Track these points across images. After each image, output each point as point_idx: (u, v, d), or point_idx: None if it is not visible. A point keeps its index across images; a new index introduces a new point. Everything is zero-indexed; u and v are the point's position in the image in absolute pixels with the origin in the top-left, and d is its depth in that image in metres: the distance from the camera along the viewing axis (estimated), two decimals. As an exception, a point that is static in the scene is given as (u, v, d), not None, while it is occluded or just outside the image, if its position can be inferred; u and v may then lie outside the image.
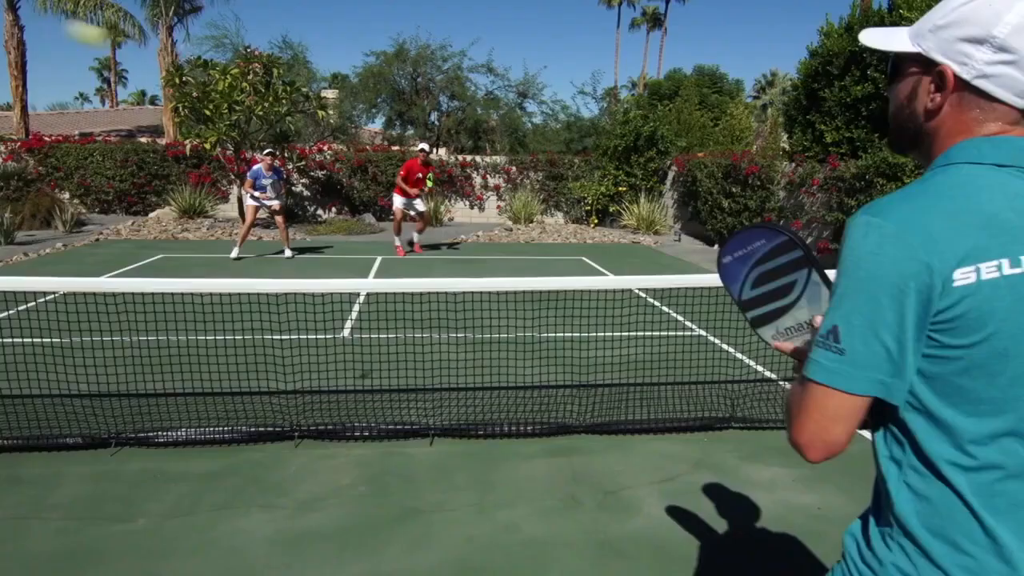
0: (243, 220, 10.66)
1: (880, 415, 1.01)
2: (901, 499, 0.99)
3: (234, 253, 10.19)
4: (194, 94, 13.34)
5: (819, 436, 0.96)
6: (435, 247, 12.35)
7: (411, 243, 11.66)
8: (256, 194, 10.21)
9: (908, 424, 0.98)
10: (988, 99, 0.97)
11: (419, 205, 11.25)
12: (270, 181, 10.30)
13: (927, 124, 1.04)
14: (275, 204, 10.50)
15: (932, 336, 0.92)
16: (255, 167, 10.31)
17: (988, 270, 0.89)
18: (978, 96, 0.97)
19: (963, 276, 0.89)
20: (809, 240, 11.46)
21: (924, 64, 1.02)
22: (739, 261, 1.21)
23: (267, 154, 10.27)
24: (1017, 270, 0.90)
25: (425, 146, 11.29)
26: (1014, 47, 0.93)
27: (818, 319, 1.04)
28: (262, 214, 11.27)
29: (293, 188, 16.95)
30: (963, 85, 0.98)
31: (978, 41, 0.95)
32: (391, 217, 11.32)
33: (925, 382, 0.95)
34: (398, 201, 11.06)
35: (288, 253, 10.72)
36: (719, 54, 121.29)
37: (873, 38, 1.08)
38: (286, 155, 15.69)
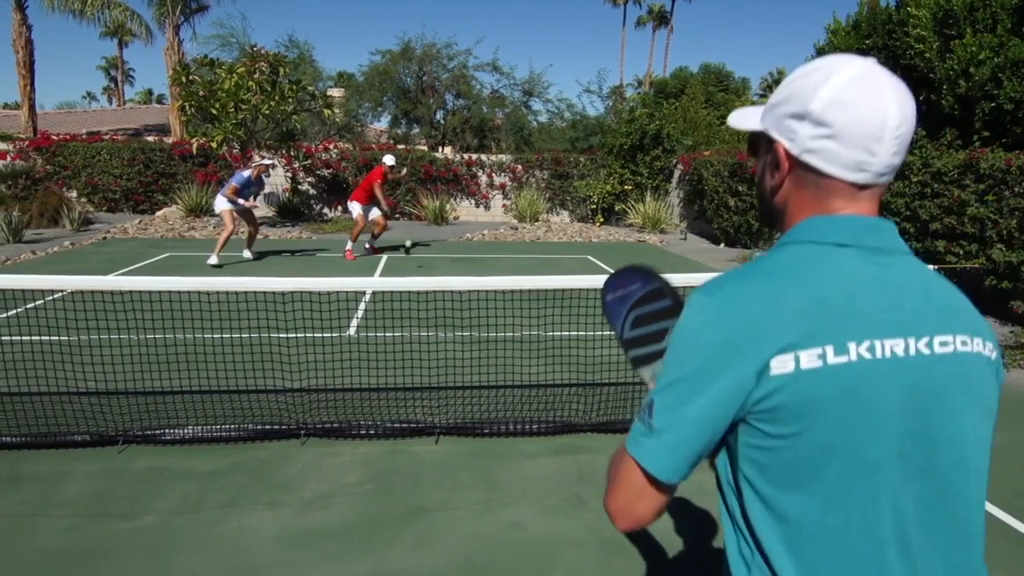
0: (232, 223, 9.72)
1: (726, 504, 0.97)
2: None
3: (213, 260, 9.41)
4: (200, 93, 13.40)
5: (627, 509, 0.94)
6: (395, 248, 11.83)
7: (371, 248, 11.41)
8: (240, 201, 9.49)
9: (750, 518, 0.92)
10: (819, 175, 0.95)
11: (374, 212, 10.87)
12: (255, 190, 9.76)
13: (774, 201, 1.03)
14: (251, 202, 9.70)
15: (754, 424, 0.88)
16: (243, 173, 9.56)
17: (808, 358, 0.85)
18: (810, 172, 0.96)
19: (780, 365, 0.85)
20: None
21: (768, 142, 1.02)
22: (619, 301, 1.21)
23: (267, 164, 9.75)
24: (842, 359, 0.85)
25: (391, 160, 10.86)
26: (830, 120, 0.91)
27: None
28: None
29: (299, 187, 17.00)
30: (796, 162, 0.97)
31: (800, 116, 0.94)
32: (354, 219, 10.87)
33: (758, 474, 0.90)
34: (356, 208, 10.69)
35: (247, 254, 10.14)
36: (725, 52, 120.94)
37: (734, 118, 1.10)
38: (292, 153, 15.74)
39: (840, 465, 0.87)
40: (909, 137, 0.94)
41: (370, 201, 10.72)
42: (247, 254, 10.10)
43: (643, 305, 1.17)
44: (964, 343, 0.92)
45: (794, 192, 0.99)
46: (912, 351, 0.89)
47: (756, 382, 0.86)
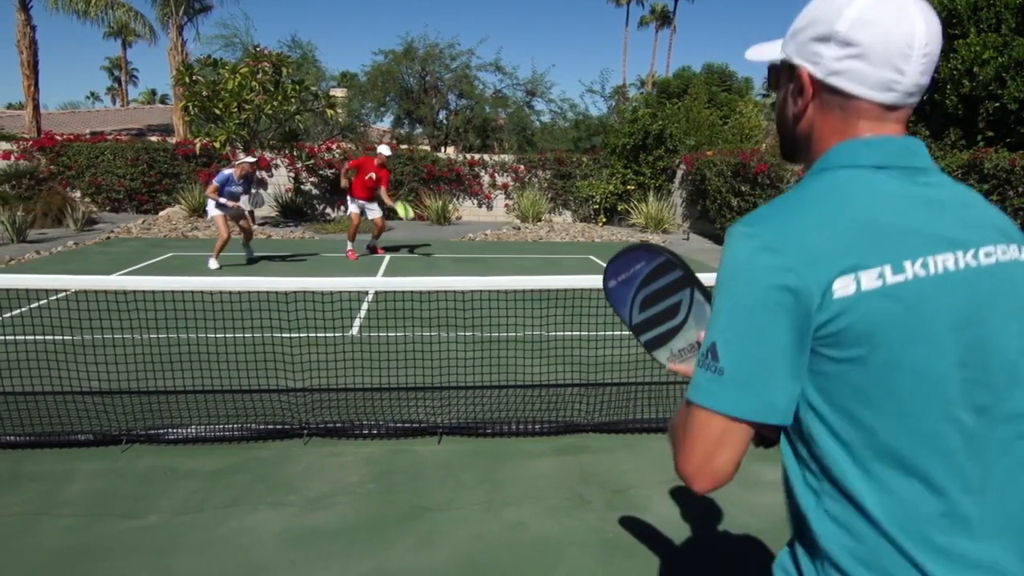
0: (226, 230, 9.16)
1: (788, 435, 0.96)
2: (825, 532, 0.92)
3: (213, 264, 9.11)
4: (204, 93, 13.42)
5: (706, 465, 0.90)
6: (395, 249, 11.69)
7: (371, 248, 11.11)
8: (223, 201, 8.99)
9: (818, 445, 0.91)
10: (846, 97, 0.95)
11: (372, 212, 10.34)
12: (239, 189, 9.12)
13: (797, 129, 1.02)
14: (239, 204, 9.16)
15: (818, 350, 0.88)
16: (225, 171, 9.07)
17: (869, 279, 0.85)
18: (836, 95, 0.95)
19: (842, 287, 0.85)
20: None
21: (789, 70, 1.02)
22: (624, 285, 1.18)
23: (249, 162, 9.14)
24: (899, 277, 0.85)
25: (385, 149, 10.30)
26: (857, 39, 0.91)
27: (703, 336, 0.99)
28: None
29: (302, 187, 17.02)
30: (820, 86, 0.96)
31: (825, 39, 0.94)
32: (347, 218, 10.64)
33: (824, 399, 0.90)
34: (352, 205, 10.21)
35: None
36: (728, 52, 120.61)
37: (752, 52, 1.10)
38: (295, 153, 15.76)
39: (908, 382, 0.87)
40: (936, 56, 0.93)
41: (368, 197, 10.27)
42: (247, 253, 9.82)
43: (650, 283, 1.14)
44: (1004, 252, 0.93)
45: (819, 117, 0.99)
46: (961, 264, 0.89)
47: (820, 306, 0.85)
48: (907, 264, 0.86)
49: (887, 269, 0.85)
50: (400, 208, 10.29)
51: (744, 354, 0.87)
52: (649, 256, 1.14)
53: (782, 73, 1.05)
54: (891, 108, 0.94)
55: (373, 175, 9.98)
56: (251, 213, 9.63)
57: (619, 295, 1.19)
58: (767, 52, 1.06)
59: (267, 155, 16.54)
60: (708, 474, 0.90)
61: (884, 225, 0.88)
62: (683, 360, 1.14)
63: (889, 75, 0.91)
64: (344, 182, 10.17)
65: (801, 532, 0.98)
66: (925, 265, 0.87)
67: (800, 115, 1.01)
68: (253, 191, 9.32)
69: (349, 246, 10.57)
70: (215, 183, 8.93)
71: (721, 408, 0.88)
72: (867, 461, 0.89)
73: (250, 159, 9.16)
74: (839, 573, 0.91)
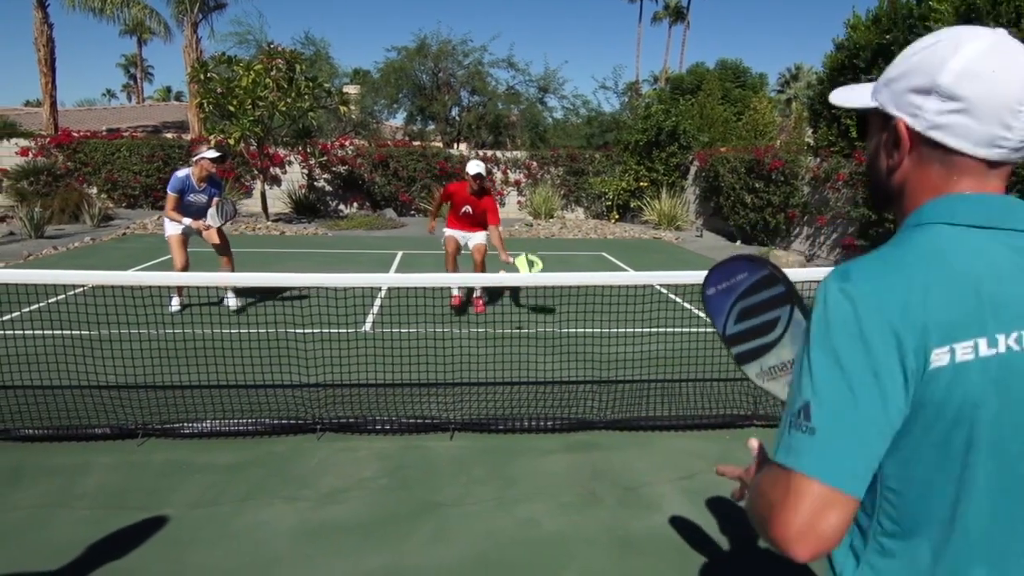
0: (222, 241, 6.60)
1: None
2: None
3: (175, 305, 6.44)
4: (218, 90, 13.51)
5: (809, 529, 0.81)
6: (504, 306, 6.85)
7: (469, 298, 6.92)
8: (186, 221, 6.32)
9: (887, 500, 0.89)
10: (947, 151, 0.89)
11: (474, 239, 6.72)
12: (203, 197, 6.39)
13: (891, 181, 0.97)
14: (203, 224, 6.39)
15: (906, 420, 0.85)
16: (178, 175, 6.28)
17: (963, 351, 0.81)
18: (936, 149, 0.90)
19: (938, 358, 0.81)
20: (834, 236, 11.31)
21: (884, 119, 0.97)
22: (723, 294, 1.16)
23: (212, 159, 6.30)
24: (992, 351, 0.81)
25: (478, 166, 6.41)
26: (962, 95, 0.86)
27: None
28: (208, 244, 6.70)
29: (315, 183, 17.10)
30: (919, 139, 0.91)
31: (926, 91, 0.89)
32: (425, 211, 7.93)
33: (898, 468, 0.88)
34: (448, 231, 6.75)
35: (232, 303, 6.49)
36: (742, 47, 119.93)
37: (838, 96, 1.05)
38: (308, 150, 15.82)
39: (983, 460, 0.85)
40: None
41: (468, 229, 6.74)
42: (230, 301, 6.55)
43: (751, 295, 1.12)
44: None
45: (916, 171, 0.94)
46: None
47: (920, 374, 0.82)
48: (1000, 337, 0.83)
49: (982, 342, 0.82)
50: (522, 264, 6.40)
51: (843, 418, 0.82)
52: (752, 267, 1.12)
53: (872, 121, 1.00)
54: (994, 165, 0.90)
55: (469, 209, 6.58)
56: (219, 229, 6.56)
57: (717, 304, 1.17)
58: (856, 98, 1.01)
59: (281, 151, 16.63)
60: (812, 538, 0.81)
61: (984, 293, 0.83)
62: (772, 378, 1.14)
63: (996, 131, 0.86)
64: (432, 223, 7.30)
65: None
66: (1019, 340, 0.83)
67: (895, 168, 0.96)
68: (218, 199, 6.47)
69: (455, 290, 6.75)
70: (171, 192, 6.24)
71: (816, 472, 0.81)
72: (914, 527, 0.89)
73: (211, 154, 6.34)
74: None
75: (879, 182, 1.01)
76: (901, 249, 0.90)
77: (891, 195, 0.99)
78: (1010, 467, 0.86)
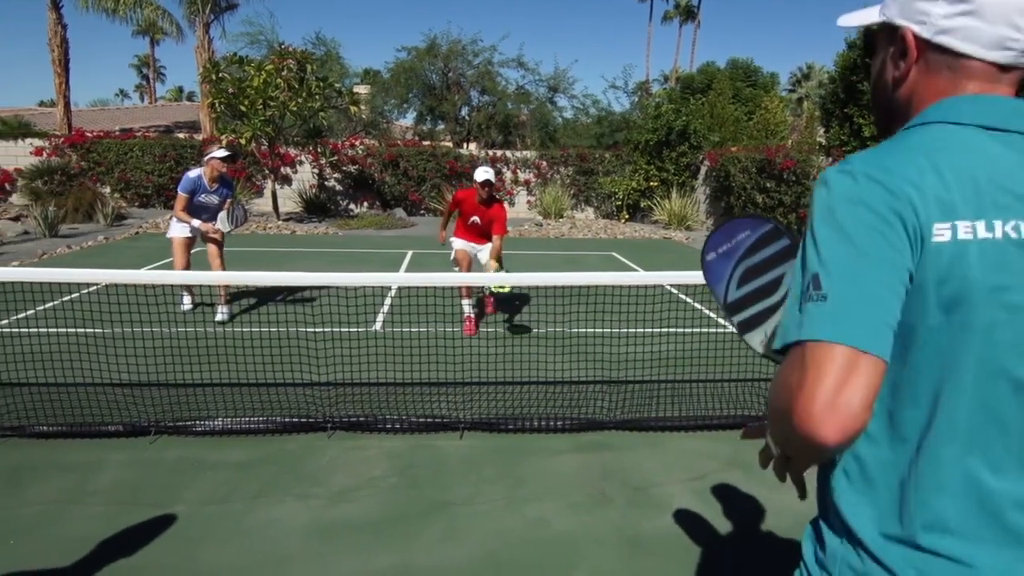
0: (217, 248, 6.32)
1: None
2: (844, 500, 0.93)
3: (186, 303, 6.42)
4: (230, 90, 13.59)
5: (833, 402, 0.75)
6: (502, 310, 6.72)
7: (481, 307, 6.68)
8: (195, 223, 6.12)
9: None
10: (955, 56, 0.89)
11: (484, 253, 6.26)
12: (215, 198, 6.21)
13: (897, 94, 0.97)
14: (212, 227, 6.19)
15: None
16: (190, 175, 6.13)
17: (964, 230, 0.81)
18: (944, 55, 0.90)
19: (940, 232, 0.81)
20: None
21: (890, 33, 0.96)
22: (724, 257, 1.13)
23: (222, 158, 6.15)
24: (989, 235, 0.81)
25: (487, 172, 6.02)
26: None
27: None
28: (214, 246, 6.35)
29: (326, 183, 17.17)
30: (927, 46, 0.91)
31: None
32: (433, 212, 7.90)
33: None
34: (457, 243, 6.34)
35: (222, 314, 6.04)
36: (753, 47, 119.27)
37: (847, 18, 1.05)
38: (319, 150, 15.88)
39: (973, 346, 0.84)
40: None
41: (475, 240, 6.39)
42: (221, 314, 6.08)
43: (754, 253, 1.09)
44: None
45: (923, 80, 0.93)
46: None
47: (921, 246, 0.82)
48: (997, 224, 0.82)
49: (980, 224, 0.82)
50: (494, 279, 4.98)
51: (852, 281, 0.80)
52: (755, 224, 1.10)
53: (880, 37, 0.99)
54: (1005, 69, 0.89)
55: (476, 219, 6.19)
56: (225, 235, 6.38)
57: (717, 269, 1.14)
58: (863, 17, 1.01)
59: (292, 151, 16.70)
60: (839, 412, 0.75)
61: (982, 183, 0.83)
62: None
63: (1005, 32, 0.86)
64: (443, 233, 6.83)
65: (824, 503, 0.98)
66: (1017, 228, 0.83)
67: (901, 79, 0.95)
68: (230, 203, 6.30)
69: (467, 310, 6.08)
70: (181, 193, 6.08)
71: (832, 335, 0.78)
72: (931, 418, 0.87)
73: (220, 153, 6.20)
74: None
75: (884, 98, 1.00)
76: (900, 143, 0.90)
77: (897, 110, 0.98)
78: (997, 355, 0.84)
